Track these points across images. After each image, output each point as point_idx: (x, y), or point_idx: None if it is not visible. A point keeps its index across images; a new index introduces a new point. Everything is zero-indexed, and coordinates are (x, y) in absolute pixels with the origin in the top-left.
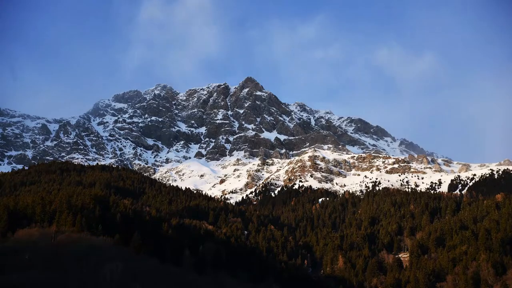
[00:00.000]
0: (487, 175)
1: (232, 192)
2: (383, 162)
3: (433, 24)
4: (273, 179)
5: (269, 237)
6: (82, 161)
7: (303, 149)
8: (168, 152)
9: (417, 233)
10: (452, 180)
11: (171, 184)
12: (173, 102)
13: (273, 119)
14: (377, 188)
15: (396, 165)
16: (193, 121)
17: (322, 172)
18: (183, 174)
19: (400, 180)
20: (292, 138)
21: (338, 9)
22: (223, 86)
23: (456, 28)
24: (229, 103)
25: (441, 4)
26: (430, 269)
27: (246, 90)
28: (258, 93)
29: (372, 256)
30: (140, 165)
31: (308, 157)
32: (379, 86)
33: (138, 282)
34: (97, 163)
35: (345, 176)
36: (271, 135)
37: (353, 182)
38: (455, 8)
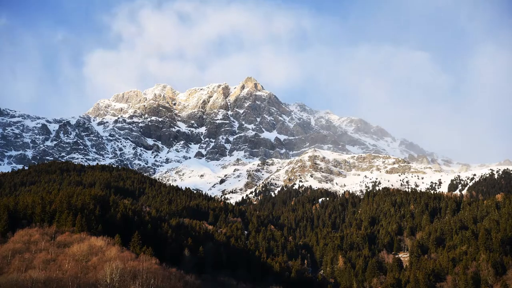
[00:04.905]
0: (487, 175)
1: (232, 192)
2: (383, 162)
3: None
4: (273, 179)
5: (269, 237)
6: (82, 161)
7: (303, 149)
8: (168, 152)
9: (417, 233)
10: (452, 180)
11: (171, 184)
12: (173, 102)
13: (273, 119)
14: (377, 188)
15: (396, 165)
16: (193, 121)
17: (322, 172)
18: (183, 174)
19: (400, 180)
20: (292, 138)
21: None
22: (223, 86)
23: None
24: (229, 103)
25: None
26: (430, 269)
27: (246, 90)
28: (258, 93)
29: (372, 256)
30: (140, 165)
31: (308, 157)
32: None
33: (137, 282)
34: (97, 163)
35: (345, 176)
36: (271, 135)
37: (353, 182)
38: None
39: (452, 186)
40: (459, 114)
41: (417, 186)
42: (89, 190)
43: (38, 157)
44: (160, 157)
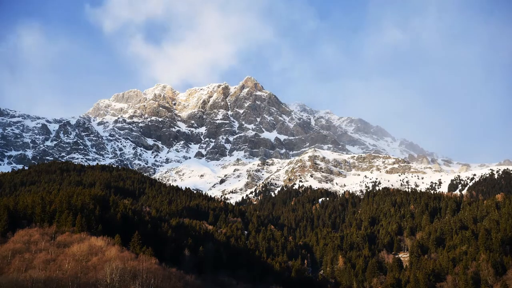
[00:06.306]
0: (487, 175)
1: (232, 192)
2: (383, 162)
3: None
4: (273, 179)
5: (269, 237)
6: (82, 161)
7: (303, 149)
8: (168, 152)
9: (417, 233)
10: (452, 180)
11: (171, 184)
12: (173, 102)
13: (273, 119)
14: (377, 188)
15: (396, 165)
16: (193, 121)
17: (322, 172)
18: (183, 174)
19: (400, 180)
20: (292, 138)
21: None
22: (223, 86)
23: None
24: (229, 103)
25: None
26: (430, 269)
27: (246, 90)
28: (258, 93)
29: (372, 256)
30: (140, 165)
31: (308, 157)
32: None
33: (137, 282)
34: (97, 163)
35: (345, 176)
36: (271, 135)
37: (353, 182)
38: None
39: (452, 186)
40: (460, 114)
41: (417, 186)
42: (89, 190)
43: (38, 157)
44: (160, 157)
